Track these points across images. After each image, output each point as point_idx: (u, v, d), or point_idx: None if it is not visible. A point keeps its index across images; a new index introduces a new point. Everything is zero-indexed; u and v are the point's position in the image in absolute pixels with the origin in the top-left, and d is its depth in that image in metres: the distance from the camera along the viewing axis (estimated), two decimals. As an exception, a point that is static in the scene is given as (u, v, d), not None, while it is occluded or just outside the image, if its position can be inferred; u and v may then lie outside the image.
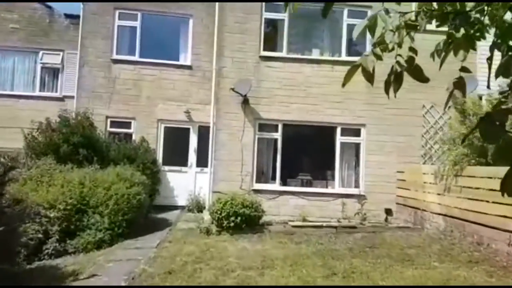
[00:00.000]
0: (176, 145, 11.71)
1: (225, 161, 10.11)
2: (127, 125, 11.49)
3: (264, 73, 10.37)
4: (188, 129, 11.66)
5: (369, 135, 10.39)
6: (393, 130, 10.34)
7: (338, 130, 10.42)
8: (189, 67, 11.73)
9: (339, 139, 10.42)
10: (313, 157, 11.04)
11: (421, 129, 10.42)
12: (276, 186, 10.19)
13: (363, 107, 10.43)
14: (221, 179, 10.05)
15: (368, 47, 10.58)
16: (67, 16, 13.36)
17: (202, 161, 11.34)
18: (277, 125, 10.36)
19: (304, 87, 10.41)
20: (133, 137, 11.29)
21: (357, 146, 10.58)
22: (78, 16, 12.11)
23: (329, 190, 10.34)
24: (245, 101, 10.16)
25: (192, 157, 11.59)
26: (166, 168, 11.43)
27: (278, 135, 10.32)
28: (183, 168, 11.55)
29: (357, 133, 10.52)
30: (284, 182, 10.36)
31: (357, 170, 10.56)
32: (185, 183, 11.35)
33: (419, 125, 10.42)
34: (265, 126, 10.43)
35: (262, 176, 10.42)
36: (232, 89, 9.84)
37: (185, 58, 11.91)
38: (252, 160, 10.18)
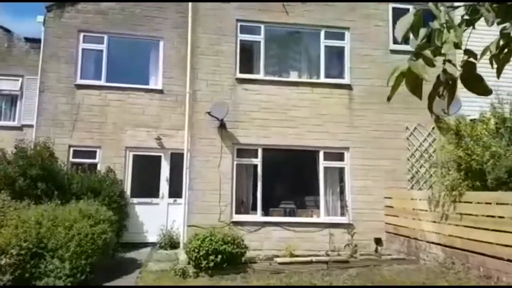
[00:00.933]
0: (146, 175, 10.78)
1: (201, 191, 9.27)
2: (92, 154, 10.50)
3: (241, 96, 9.75)
4: (160, 157, 10.78)
5: (353, 159, 9.85)
6: (378, 154, 9.86)
7: (321, 155, 9.84)
8: (160, 91, 10.97)
9: (322, 163, 9.82)
10: (296, 183, 10.38)
11: (406, 152, 9.99)
12: (257, 217, 9.39)
13: (346, 130, 9.95)
14: (197, 211, 9.18)
15: (347, 68, 10.22)
16: (28, 40, 12.46)
17: (175, 192, 10.46)
18: (256, 150, 9.67)
19: (284, 110, 9.83)
20: (98, 168, 10.30)
21: (341, 171, 10.01)
22: (39, 40, 11.20)
23: (314, 219, 9.65)
24: (222, 126, 9.45)
25: (164, 187, 10.67)
26: (135, 200, 10.44)
27: (258, 161, 9.62)
28: (154, 200, 10.59)
29: (340, 157, 9.97)
30: (266, 212, 9.60)
31: (342, 197, 9.95)
32: (156, 216, 10.37)
33: (404, 148, 10.00)
34: (244, 152, 9.71)
35: (242, 206, 9.62)
36: (208, 113, 9.13)
37: (156, 82, 11.16)
38: (231, 189, 9.39)
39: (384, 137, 9.96)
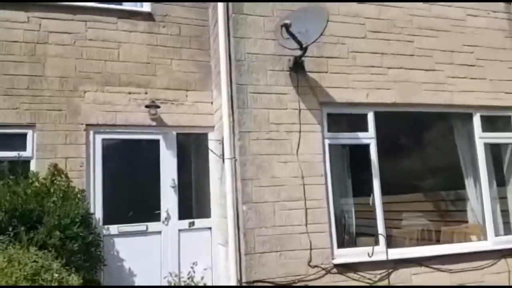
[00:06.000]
0: (132, 178, 5.55)
1: (268, 203, 4.28)
2: (17, 141, 5.09)
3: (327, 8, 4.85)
4: (156, 142, 5.59)
5: (531, 128, 5.35)
6: None
7: (476, 121, 5.23)
8: (148, 16, 5.74)
9: (480, 137, 5.21)
10: (426, 178, 5.66)
11: None
12: (380, 250, 4.56)
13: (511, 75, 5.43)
14: (263, 247, 4.18)
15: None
16: None
17: (191, 207, 5.44)
18: (364, 116, 4.86)
19: (408, 35, 5.13)
20: (33, 167, 4.96)
21: (502, 150, 5.49)
22: None
23: (477, 244, 5.01)
24: (297, 66, 4.52)
25: (169, 199, 5.48)
26: (114, 229, 5.19)
27: (370, 137, 4.81)
28: (151, 225, 5.37)
29: (506, 124, 5.43)
30: (390, 240, 4.83)
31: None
32: (157, 257, 5.25)
33: None
34: (339, 120, 4.85)
35: (345, 231, 4.74)
36: (285, 27, 3.99)
37: None
38: (326, 197, 4.49)
39: None
